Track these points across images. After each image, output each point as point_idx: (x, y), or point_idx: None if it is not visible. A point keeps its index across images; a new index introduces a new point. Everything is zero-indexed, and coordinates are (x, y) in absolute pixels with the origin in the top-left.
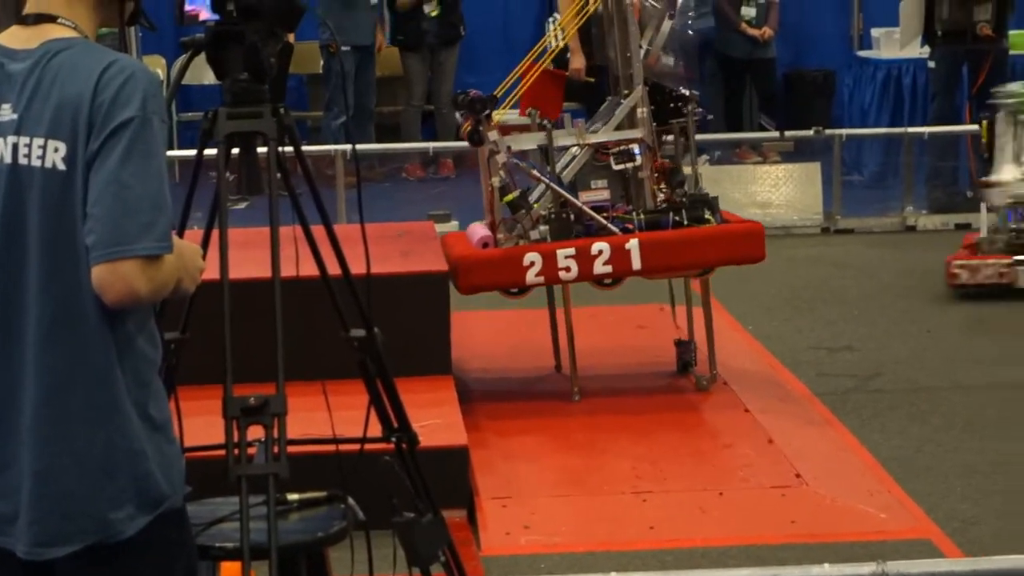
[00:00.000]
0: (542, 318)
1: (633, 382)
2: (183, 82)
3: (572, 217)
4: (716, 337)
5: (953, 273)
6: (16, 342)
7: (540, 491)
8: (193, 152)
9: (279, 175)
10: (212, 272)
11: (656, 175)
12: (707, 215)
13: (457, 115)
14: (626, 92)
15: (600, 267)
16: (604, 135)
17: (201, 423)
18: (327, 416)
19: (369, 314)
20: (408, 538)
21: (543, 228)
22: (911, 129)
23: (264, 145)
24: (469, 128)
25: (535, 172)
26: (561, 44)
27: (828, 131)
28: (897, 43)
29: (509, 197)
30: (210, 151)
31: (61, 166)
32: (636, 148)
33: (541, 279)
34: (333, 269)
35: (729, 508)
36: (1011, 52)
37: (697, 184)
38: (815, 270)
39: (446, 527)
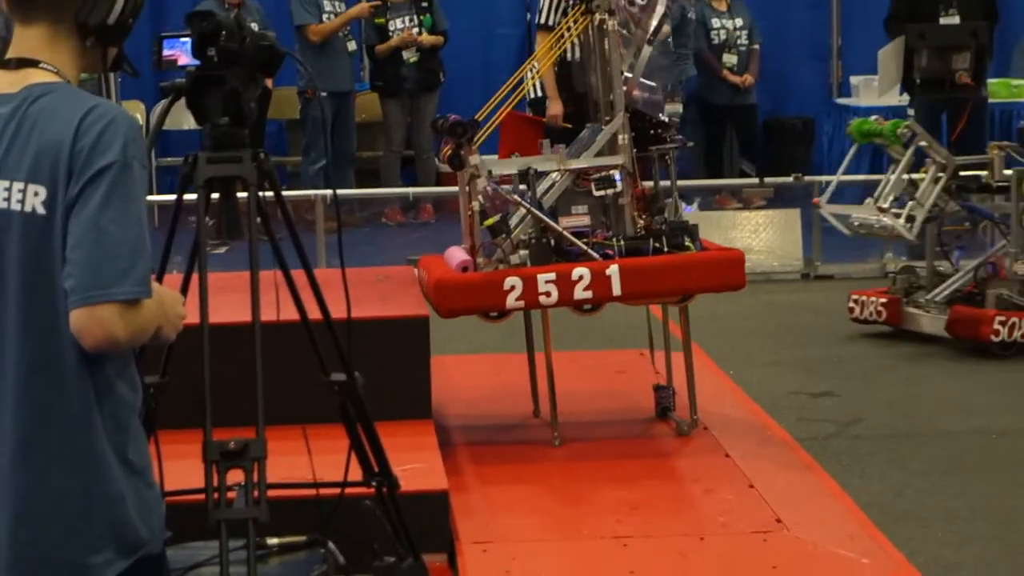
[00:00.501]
0: (521, 362)
1: (613, 427)
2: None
3: (552, 242)
4: (696, 382)
5: (850, 307)
6: None
7: (521, 536)
8: (172, 197)
9: (259, 220)
10: (192, 316)
11: (636, 202)
12: (687, 242)
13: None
14: (607, 118)
15: (580, 292)
16: (585, 161)
17: (181, 467)
18: (307, 460)
19: (349, 358)
20: None
21: (523, 253)
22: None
23: (244, 190)
24: (450, 152)
25: (515, 197)
26: (530, 82)
27: (807, 178)
28: (876, 91)
29: (489, 221)
30: (190, 196)
31: (41, 210)
32: (617, 174)
33: (521, 303)
34: (313, 313)
35: (710, 553)
36: (989, 100)
37: (677, 211)
38: (795, 316)
39: (427, 571)
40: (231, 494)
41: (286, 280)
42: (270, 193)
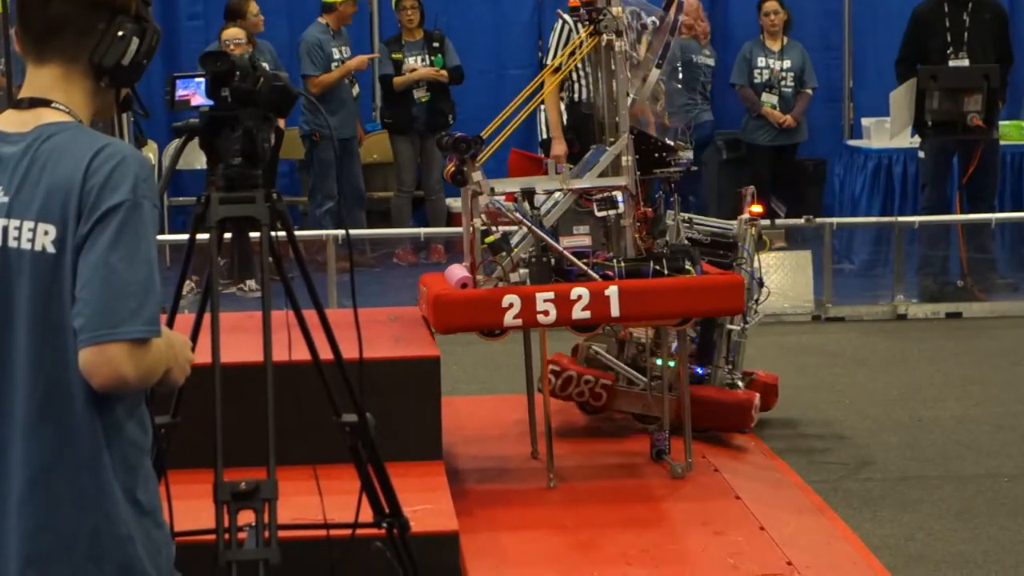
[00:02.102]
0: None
1: (622, 469)
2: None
3: (552, 262)
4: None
5: (549, 378)
6: (3, 424)
7: None
8: (184, 236)
9: (271, 260)
10: (204, 356)
11: (638, 224)
12: (687, 265)
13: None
14: (611, 140)
15: (579, 312)
16: (588, 181)
17: (191, 507)
18: (318, 501)
19: (361, 399)
20: None
21: (523, 271)
22: (902, 218)
23: (257, 230)
24: (453, 169)
25: (517, 215)
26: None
27: (819, 219)
28: (887, 132)
29: (490, 239)
30: (202, 236)
31: (51, 249)
32: (619, 196)
33: (519, 322)
34: (325, 354)
35: None
36: (1001, 142)
37: (679, 235)
38: (806, 358)
39: None
40: (242, 535)
41: (298, 320)
42: (282, 233)
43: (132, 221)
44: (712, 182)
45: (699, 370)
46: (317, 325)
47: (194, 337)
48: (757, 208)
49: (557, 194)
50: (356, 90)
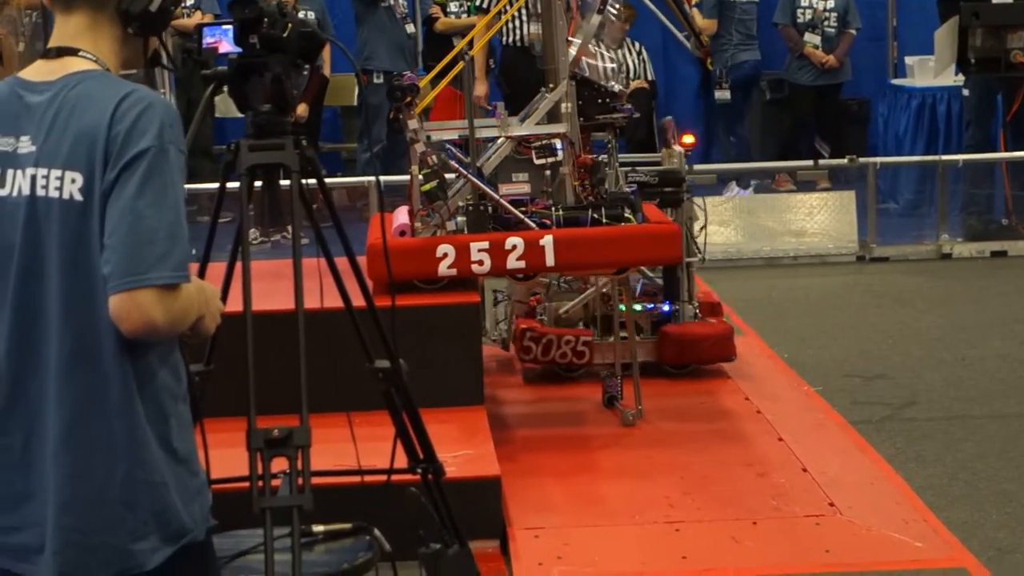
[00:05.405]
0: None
1: (664, 413)
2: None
3: (490, 210)
4: (751, 365)
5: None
6: (38, 373)
7: (573, 521)
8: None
9: (302, 207)
10: (236, 304)
11: (580, 171)
12: (627, 214)
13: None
14: (551, 86)
15: (513, 262)
16: (526, 128)
17: (225, 455)
18: (352, 447)
19: (394, 345)
20: (434, 569)
21: (460, 220)
22: (945, 157)
23: (286, 177)
24: (392, 115)
25: (454, 163)
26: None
27: (863, 159)
28: (931, 71)
29: (426, 187)
30: (232, 184)
31: (78, 197)
32: (558, 143)
33: (454, 271)
34: (357, 301)
35: (763, 537)
36: None
37: (618, 182)
38: (850, 298)
39: (472, 558)
40: (276, 482)
41: (329, 267)
42: (313, 180)
43: (159, 167)
44: (755, 122)
45: (666, 308)
46: (349, 272)
47: (226, 285)
48: (688, 139)
49: (498, 140)
50: (411, 28)
